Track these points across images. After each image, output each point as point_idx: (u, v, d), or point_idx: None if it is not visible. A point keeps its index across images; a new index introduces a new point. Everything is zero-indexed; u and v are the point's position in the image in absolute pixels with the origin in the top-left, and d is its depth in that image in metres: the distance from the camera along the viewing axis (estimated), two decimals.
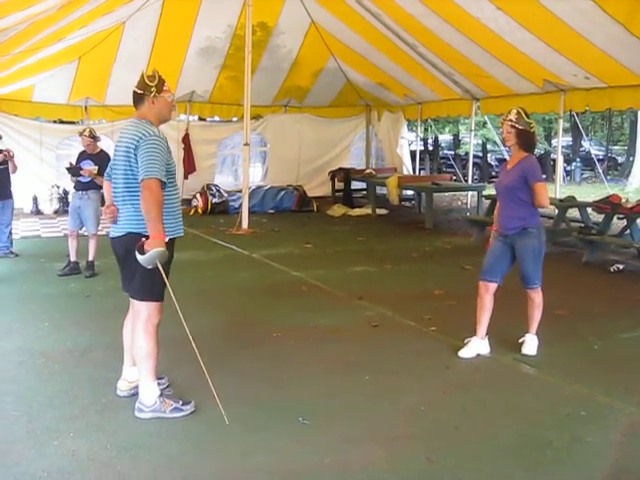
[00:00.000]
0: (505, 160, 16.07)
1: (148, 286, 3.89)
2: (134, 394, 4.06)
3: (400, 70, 13.05)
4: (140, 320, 3.92)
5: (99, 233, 7.84)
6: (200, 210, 13.16)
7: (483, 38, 10.09)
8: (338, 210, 13.57)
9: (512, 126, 4.90)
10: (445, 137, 27.02)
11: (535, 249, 4.98)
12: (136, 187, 3.78)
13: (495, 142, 20.36)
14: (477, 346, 5.09)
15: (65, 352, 5.06)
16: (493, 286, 5.06)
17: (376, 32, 11.73)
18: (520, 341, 5.18)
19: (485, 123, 18.57)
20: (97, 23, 10.25)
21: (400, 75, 13.35)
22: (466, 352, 5.05)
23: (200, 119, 15.83)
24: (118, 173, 3.88)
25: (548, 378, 4.68)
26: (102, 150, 7.91)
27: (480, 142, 23.70)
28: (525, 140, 4.95)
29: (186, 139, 14.23)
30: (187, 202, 13.07)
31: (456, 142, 26.20)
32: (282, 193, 14.03)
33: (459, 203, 15.86)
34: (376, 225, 12.38)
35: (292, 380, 4.52)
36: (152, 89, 3.89)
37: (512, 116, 4.90)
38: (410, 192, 14.68)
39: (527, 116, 4.94)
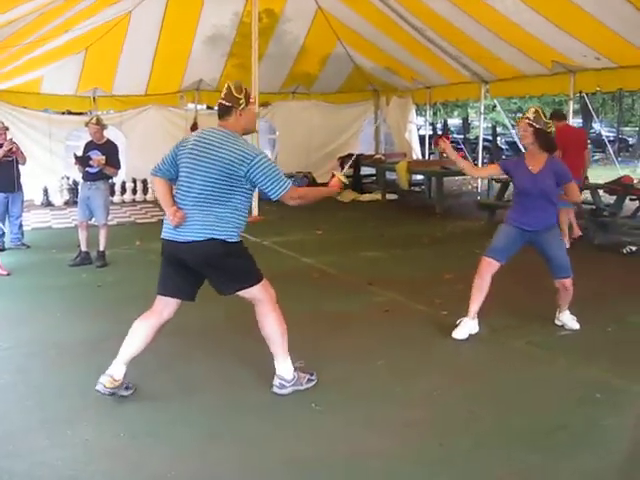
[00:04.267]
0: (515, 144, 16.03)
1: (250, 270, 3.93)
2: (113, 394, 3.88)
3: (408, 54, 12.94)
4: (262, 304, 3.95)
5: (109, 223, 7.85)
6: None
7: (490, 20, 9.98)
8: (348, 196, 13.51)
9: (529, 124, 4.82)
10: (454, 121, 26.88)
11: (561, 238, 5.12)
12: (224, 196, 3.76)
13: (505, 125, 20.21)
14: (469, 326, 5.08)
15: (77, 342, 5.08)
16: (497, 266, 5.02)
17: (383, 16, 11.62)
18: (560, 323, 5.28)
19: (494, 106, 18.44)
20: (103, 13, 10.22)
21: (408, 59, 13.25)
22: (459, 333, 5.04)
23: (208, 107, 15.77)
24: (206, 179, 3.76)
25: (561, 361, 4.64)
26: (108, 140, 7.90)
27: (490, 125, 23.57)
28: (544, 140, 4.85)
29: (194, 128, 14.18)
30: None
31: (465, 126, 26.07)
32: (291, 180, 13.95)
33: (469, 187, 15.78)
34: (386, 210, 12.34)
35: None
36: (241, 101, 3.88)
37: (530, 114, 4.85)
38: (420, 177, 14.62)
39: (545, 116, 4.89)
